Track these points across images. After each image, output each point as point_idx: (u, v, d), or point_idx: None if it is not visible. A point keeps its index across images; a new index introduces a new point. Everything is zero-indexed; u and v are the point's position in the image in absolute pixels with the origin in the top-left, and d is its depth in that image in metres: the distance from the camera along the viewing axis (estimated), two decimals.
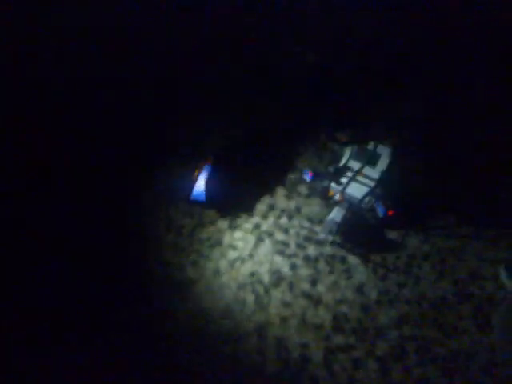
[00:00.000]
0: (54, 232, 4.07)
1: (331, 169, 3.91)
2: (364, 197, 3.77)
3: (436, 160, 4.25)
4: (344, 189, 3.82)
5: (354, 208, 3.83)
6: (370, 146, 3.92)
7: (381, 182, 3.77)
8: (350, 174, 3.86)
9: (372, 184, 3.77)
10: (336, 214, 3.78)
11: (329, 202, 4.03)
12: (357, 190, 3.80)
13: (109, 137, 4.60)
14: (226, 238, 4.03)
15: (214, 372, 3.42)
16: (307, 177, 3.88)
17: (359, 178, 3.82)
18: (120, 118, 4.73)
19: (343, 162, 3.94)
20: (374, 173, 3.82)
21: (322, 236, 3.93)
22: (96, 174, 4.38)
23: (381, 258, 3.83)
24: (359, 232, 3.91)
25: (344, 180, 3.84)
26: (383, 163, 3.84)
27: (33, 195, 4.26)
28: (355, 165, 3.89)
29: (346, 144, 4.09)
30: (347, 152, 3.96)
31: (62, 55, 4.98)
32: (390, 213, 3.70)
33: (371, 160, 3.86)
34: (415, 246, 3.87)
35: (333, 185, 3.89)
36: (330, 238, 3.89)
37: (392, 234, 3.95)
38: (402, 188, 4.01)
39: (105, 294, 3.78)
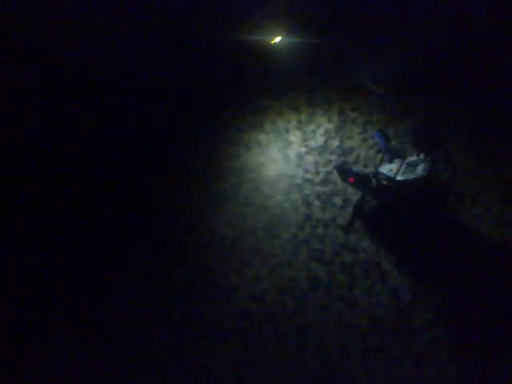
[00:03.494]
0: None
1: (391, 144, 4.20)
2: (376, 170, 4.09)
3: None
4: (379, 166, 4.10)
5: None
6: (420, 158, 4.01)
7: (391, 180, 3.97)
8: (396, 159, 4.10)
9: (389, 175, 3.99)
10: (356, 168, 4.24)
11: None
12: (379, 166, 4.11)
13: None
14: (266, 247, 4.32)
15: (255, 370, 3.69)
16: (374, 131, 4.39)
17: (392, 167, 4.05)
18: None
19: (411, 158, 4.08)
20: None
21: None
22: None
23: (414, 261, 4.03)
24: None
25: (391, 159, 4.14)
26: (409, 175, 3.95)
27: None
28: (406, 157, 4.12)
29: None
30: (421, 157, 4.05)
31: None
32: (351, 179, 4.10)
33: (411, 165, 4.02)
34: (446, 252, 4.05)
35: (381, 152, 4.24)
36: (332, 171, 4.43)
37: (425, 241, 4.14)
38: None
39: (151, 299, 4.15)
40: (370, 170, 4.20)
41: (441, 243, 4.06)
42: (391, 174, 3.93)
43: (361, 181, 4.13)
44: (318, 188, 4.55)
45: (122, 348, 3.92)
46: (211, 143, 5.02)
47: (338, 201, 4.46)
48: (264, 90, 5.34)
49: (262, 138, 5.00)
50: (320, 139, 4.86)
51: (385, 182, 4.02)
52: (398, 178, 3.91)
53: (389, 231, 4.20)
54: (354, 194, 4.41)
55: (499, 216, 4.07)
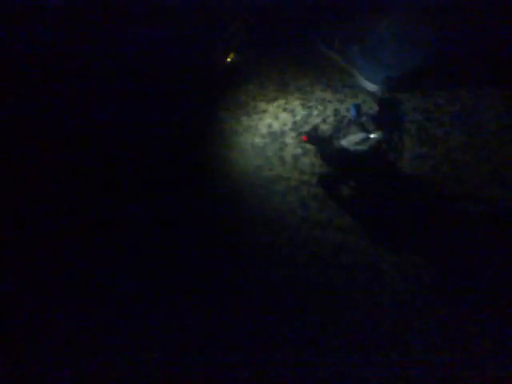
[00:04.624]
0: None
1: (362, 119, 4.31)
2: (332, 136, 4.39)
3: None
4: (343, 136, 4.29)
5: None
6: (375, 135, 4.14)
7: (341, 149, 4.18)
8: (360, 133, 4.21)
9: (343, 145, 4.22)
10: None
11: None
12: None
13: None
14: (262, 250, 4.28)
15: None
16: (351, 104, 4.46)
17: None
18: None
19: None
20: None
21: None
22: None
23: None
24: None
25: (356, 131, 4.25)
26: (354, 146, 4.15)
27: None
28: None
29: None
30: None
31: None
32: (304, 138, 4.39)
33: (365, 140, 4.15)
34: (447, 250, 4.00)
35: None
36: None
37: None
38: None
39: None
40: (329, 134, 4.41)
41: (440, 242, 4.02)
42: (345, 144, 4.10)
43: (314, 142, 4.39)
44: (315, 189, 4.51)
45: None
46: (205, 147, 4.99)
47: (334, 202, 4.41)
48: (259, 92, 5.33)
49: (258, 140, 4.97)
50: None
51: (335, 149, 4.24)
52: (346, 145, 4.13)
53: (387, 231, 4.15)
54: (352, 195, 4.39)
55: (498, 213, 4.02)
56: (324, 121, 4.92)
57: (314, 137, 4.38)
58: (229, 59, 5.12)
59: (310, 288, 3.99)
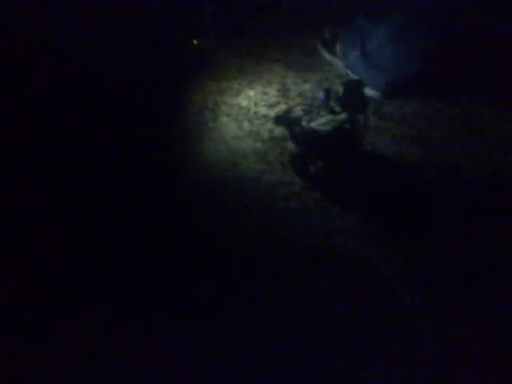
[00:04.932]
0: None
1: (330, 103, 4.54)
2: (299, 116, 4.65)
3: None
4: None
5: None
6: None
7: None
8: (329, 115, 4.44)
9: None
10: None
11: None
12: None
13: None
14: (265, 257, 4.32)
15: None
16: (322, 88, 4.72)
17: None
18: None
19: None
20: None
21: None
22: None
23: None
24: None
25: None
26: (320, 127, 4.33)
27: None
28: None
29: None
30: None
31: None
32: None
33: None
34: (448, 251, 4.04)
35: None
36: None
37: None
38: None
39: None
40: (298, 117, 4.63)
41: (440, 242, 4.06)
42: (314, 125, 4.33)
43: (285, 124, 4.67)
44: (317, 195, 4.56)
45: None
46: (206, 151, 5.05)
47: (336, 208, 4.46)
48: (261, 98, 5.39)
49: (260, 146, 5.03)
50: None
51: (304, 131, 4.43)
52: (314, 126, 4.32)
53: (389, 234, 4.19)
54: (352, 201, 4.44)
55: (498, 214, 4.06)
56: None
57: (284, 119, 4.62)
58: (195, 41, 5.22)
59: (311, 291, 4.02)
